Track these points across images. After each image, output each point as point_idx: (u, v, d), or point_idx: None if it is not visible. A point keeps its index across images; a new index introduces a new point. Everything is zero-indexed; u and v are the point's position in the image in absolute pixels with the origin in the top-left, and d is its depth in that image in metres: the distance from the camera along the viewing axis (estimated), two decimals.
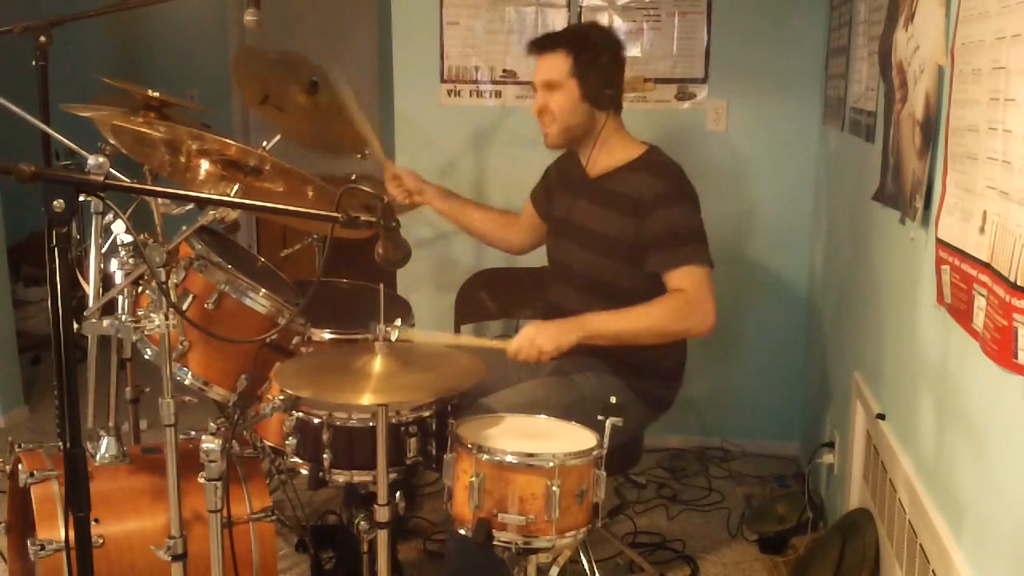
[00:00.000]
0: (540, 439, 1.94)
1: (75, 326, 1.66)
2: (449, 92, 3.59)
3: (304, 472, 2.13)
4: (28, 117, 2.05)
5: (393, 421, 2.06)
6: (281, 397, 2.02)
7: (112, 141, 2.15)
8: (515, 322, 3.36)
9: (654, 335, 2.27)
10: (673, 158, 2.43)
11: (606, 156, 2.41)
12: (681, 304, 2.23)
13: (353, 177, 2.64)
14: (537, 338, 2.16)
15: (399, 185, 2.63)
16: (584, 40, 2.36)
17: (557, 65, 2.34)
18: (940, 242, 1.69)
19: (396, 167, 2.67)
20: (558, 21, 3.43)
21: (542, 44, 2.39)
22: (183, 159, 2.02)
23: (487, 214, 2.76)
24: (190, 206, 2.23)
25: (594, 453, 1.86)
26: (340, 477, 2.09)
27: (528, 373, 2.38)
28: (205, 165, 2.03)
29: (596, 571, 2.46)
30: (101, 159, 1.52)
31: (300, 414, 2.10)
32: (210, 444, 1.76)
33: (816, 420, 3.24)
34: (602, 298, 2.36)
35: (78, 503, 1.48)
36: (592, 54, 2.32)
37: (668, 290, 2.27)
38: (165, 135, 2.00)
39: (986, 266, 1.42)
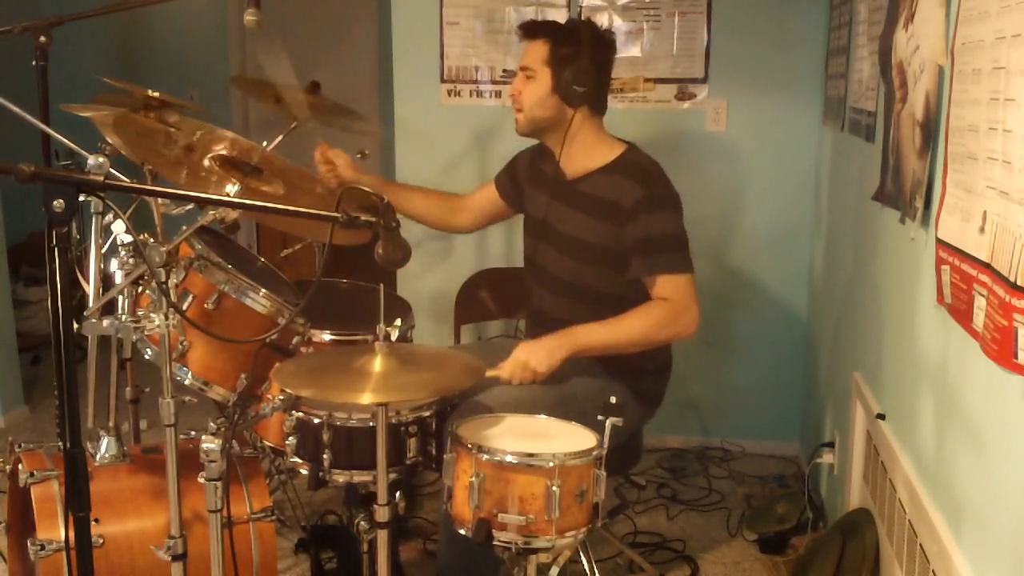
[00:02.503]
0: (540, 439, 1.94)
1: (75, 326, 1.66)
2: (449, 92, 3.59)
3: (304, 472, 2.13)
4: (28, 117, 2.05)
5: (393, 421, 2.06)
6: (281, 397, 2.02)
7: (111, 140, 2.16)
8: (515, 322, 3.36)
9: (641, 344, 2.30)
10: (665, 160, 2.40)
11: (583, 157, 2.39)
12: (666, 312, 2.27)
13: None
14: (530, 360, 2.20)
15: (331, 169, 2.55)
16: (568, 33, 2.35)
17: (536, 52, 2.34)
18: (940, 242, 1.69)
19: (331, 150, 2.57)
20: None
21: (528, 29, 2.40)
22: (183, 155, 2.02)
23: (429, 200, 2.73)
24: (190, 206, 2.22)
25: (594, 453, 1.86)
26: (340, 477, 2.09)
27: None
28: (207, 163, 2.03)
29: (596, 571, 2.46)
30: (101, 159, 1.52)
31: (300, 414, 2.10)
32: (210, 444, 1.76)
33: (816, 420, 3.24)
34: (585, 303, 2.37)
35: (78, 503, 1.48)
36: (571, 49, 2.30)
37: (651, 297, 2.28)
38: (173, 130, 2.00)
39: (986, 266, 1.42)
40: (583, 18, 3.39)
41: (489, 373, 2.15)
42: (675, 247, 2.29)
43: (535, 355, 2.20)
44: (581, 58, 2.30)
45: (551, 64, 2.32)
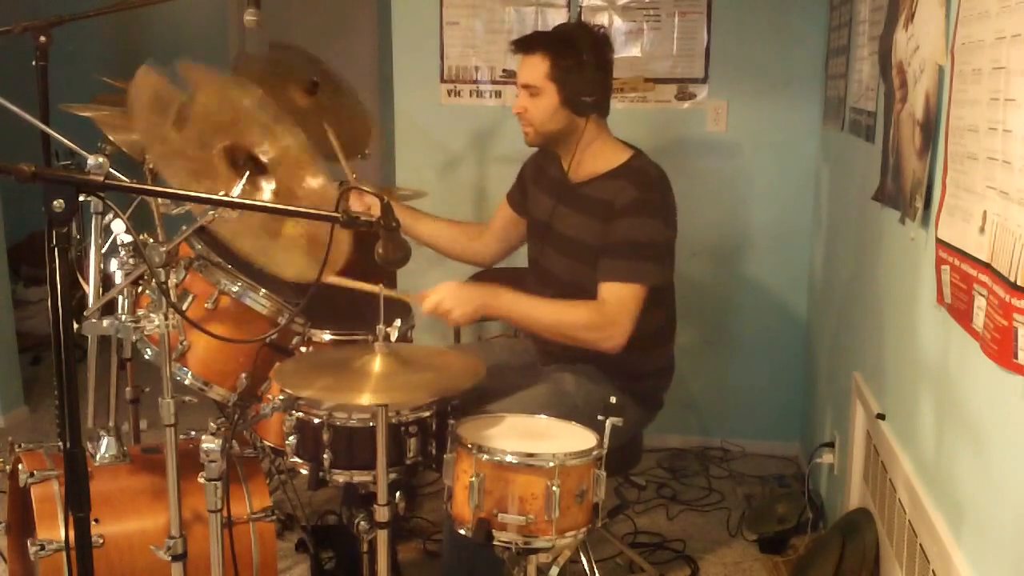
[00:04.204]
0: (540, 439, 1.95)
1: (75, 326, 1.66)
2: (449, 92, 3.59)
3: (304, 472, 2.13)
4: (28, 117, 2.05)
5: (393, 421, 2.05)
6: (281, 397, 2.02)
7: (112, 139, 2.16)
8: None
9: (556, 334, 2.29)
10: (665, 160, 2.39)
11: (590, 161, 2.37)
12: (596, 316, 2.23)
13: (353, 177, 2.64)
14: (446, 300, 2.19)
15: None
16: (566, 43, 2.29)
17: (537, 68, 2.29)
18: (940, 242, 1.69)
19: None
20: (558, 21, 3.42)
21: (523, 45, 2.35)
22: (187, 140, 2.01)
23: (448, 228, 2.68)
24: (190, 206, 2.22)
25: (594, 453, 1.86)
26: (340, 477, 2.09)
27: (527, 380, 2.38)
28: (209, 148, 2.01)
29: (596, 571, 2.46)
30: (101, 159, 1.52)
31: (300, 414, 2.09)
32: (210, 444, 1.76)
33: (816, 420, 3.24)
34: None
35: (78, 503, 1.48)
36: (573, 59, 2.26)
37: (596, 298, 2.26)
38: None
39: (986, 266, 1.42)
40: (577, 20, 3.37)
41: (408, 296, 2.19)
42: (643, 258, 2.24)
43: (454, 297, 2.20)
44: (584, 66, 2.26)
45: (555, 78, 2.27)
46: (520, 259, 2.71)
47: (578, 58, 2.27)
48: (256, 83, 2.88)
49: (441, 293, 2.20)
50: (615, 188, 2.30)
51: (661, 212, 2.30)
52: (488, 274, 3.28)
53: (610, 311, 2.22)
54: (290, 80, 2.81)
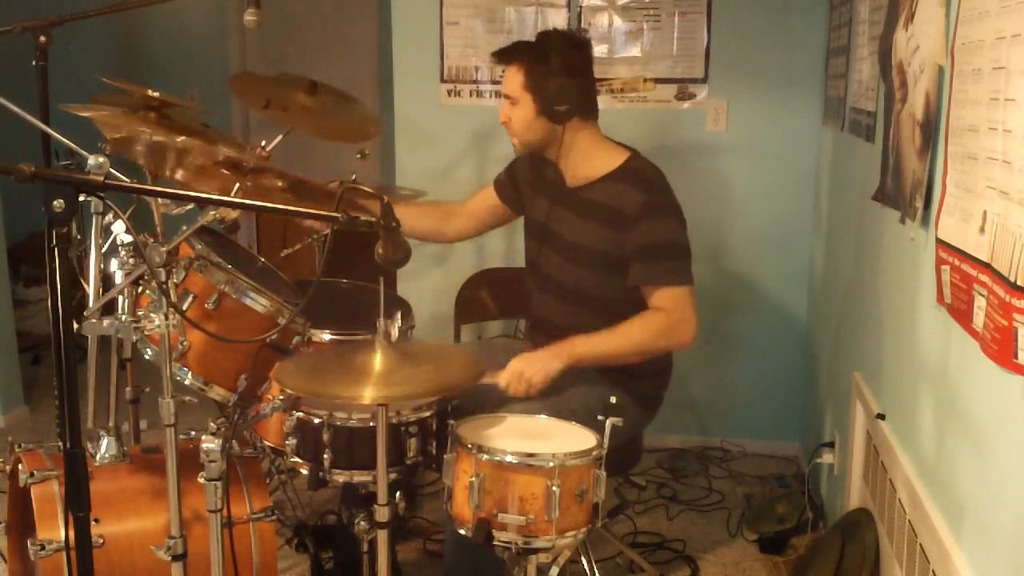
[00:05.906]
0: (540, 439, 1.95)
1: (75, 326, 1.65)
2: (449, 92, 3.59)
3: (304, 472, 2.13)
4: (28, 117, 2.05)
5: (393, 421, 2.05)
6: (281, 397, 2.02)
7: (110, 137, 2.15)
8: (515, 322, 3.36)
9: (638, 354, 2.31)
10: (665, 161, 2.40)
11: (584, 165, 2.37)
12: (663, 323, 2.27)
13: (353, 177, 2.64)
14: (526, 371, 2.19)
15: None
16: (539, 53, 2.30)
17: (514, 79, 2.31)
18: (940, 242, 1.69)
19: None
20: (558, 21, 3.43)
21: (501, 56, 2.37)
22: (181, 159, 2.02)
23: (416, 212, 2.70)
24: (190, 206, 2.22)
25: (594, 453, 1.86)
26: (340, 477, 2.09)
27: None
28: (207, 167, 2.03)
29: (596, 571, 2.46)
30: (101, 159, 1.52)
31: (300, 414, 2.09)
32: (210, 444, 1.76)
33: (816, 420, 3.24)
34: (587, 309, 2.37)
35: (78, 503, 1.48)
36: (546, 67, 2.27)
37: (648, 306, 2.28)
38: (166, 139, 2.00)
39: (986, 266, 1.42)
40: (555, 28, 3.34)
41: (486, 379, 2.15)
42: (675, 256, 2.28)
43: (531, 367, 2.20)
44: (557, 74, 2.26)
45: (530, 88, 2.29)
46: (519, 259, 2.70)
47: (550, 66, 2.27)
48: (256, 88, 2.91)
49: (515, 367, 2.21)
50: (619, 192, 2.30)
51: (675, 212, 2.33)
52: (487, 274, 3.29)
53: (673, 315, 2.27)
54: (289, 84, 2.81)
